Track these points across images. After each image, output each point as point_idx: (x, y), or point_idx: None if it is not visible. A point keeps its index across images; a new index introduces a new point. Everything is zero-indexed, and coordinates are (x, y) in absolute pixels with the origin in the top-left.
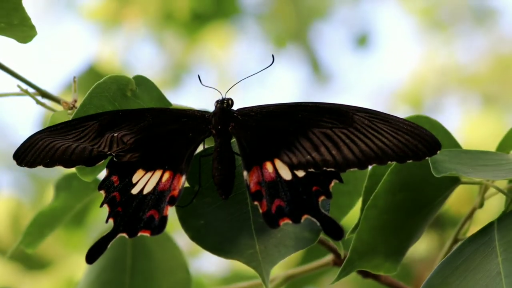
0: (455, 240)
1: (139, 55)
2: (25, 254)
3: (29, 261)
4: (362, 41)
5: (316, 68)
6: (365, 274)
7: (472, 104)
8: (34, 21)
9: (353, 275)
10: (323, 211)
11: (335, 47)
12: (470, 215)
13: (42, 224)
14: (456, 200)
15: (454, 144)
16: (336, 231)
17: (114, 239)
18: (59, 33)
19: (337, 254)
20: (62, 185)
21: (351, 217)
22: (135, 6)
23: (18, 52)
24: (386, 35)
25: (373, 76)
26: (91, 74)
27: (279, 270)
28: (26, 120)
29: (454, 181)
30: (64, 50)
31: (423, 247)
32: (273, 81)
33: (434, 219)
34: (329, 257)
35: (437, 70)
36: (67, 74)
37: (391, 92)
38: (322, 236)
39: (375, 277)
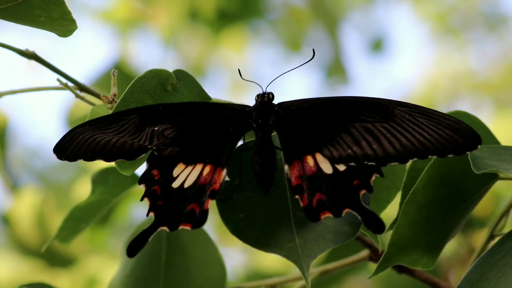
0: (491, 236)
1: (156, 56)
2: (49, 250)
3: (52, 258)
4: (376, 46)
5: (331, 73)
6: (400, 270)
7: (485, 110)
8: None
9: (387, 271)
10: (364, 204)
11: (349, 51)
12: (506, 211)
13: (78, 219)
14: (482, 204)
15: (493, 140)
16: (377, 225)
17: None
18: (81, 33)
19: (372, 250)
20: (99, 180)
21: (389, 212)
22: (161, 5)
23: (43, 51)
24: (400, 40)
25: (387, 81)
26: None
27: (313, 264)
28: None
29: (492, 177)
30: (86, 50)
31: (450, 246)
32: (286, 85)
33: None
34: (365, 252)
35: (450, 75)
36: (92, 71)
37: (404, 97)
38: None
39: (410, 273)
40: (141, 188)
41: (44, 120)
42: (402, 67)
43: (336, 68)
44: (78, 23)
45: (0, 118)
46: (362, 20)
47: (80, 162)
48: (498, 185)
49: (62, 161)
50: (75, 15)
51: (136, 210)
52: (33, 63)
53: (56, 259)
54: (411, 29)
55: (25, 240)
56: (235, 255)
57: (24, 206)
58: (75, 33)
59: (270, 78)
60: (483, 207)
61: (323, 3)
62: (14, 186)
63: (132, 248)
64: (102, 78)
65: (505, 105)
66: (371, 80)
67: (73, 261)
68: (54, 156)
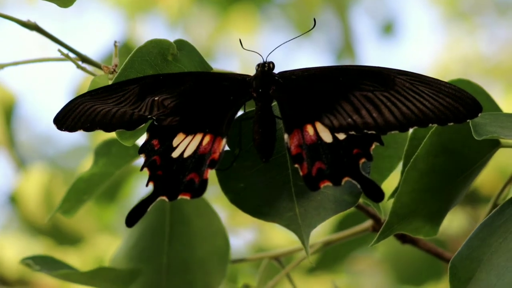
0: (495, 205)
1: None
2: (57, 228)
3: (60, 236)
4: (387, 29)
5: (341, 56)
6: (403, 239)
7: (495, 94)
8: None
9: (392, 242)
10: (363, 173)
11: (360, 35)
12: (510, 180)
13: (81, 190)
14: (490, 180)
15: (495, 108)
16: (376, 193)
17: (154, 203)
18: (88, 16)
19: (376, 220)
20: (102, 151)
21: (391, 183)
22: None
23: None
24: (411, 24)
25: (397, 65)
26: (124, 50)
27: (317, 237)
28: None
29: (494, 145)
30: (93, 34)
31: (457, 224)
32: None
33: (468, 196)
34: (368, 223)
35: (460, 59)
36: (97, 53)
37: None
38: (362, 201)
39: (414, 243)
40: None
41: (54, 104)
42: (412, 51)
43: (346, 52)
44: (85, 6)
45: (7, 95)
46: (373, 3)
47: (91, 144)
48: (506, 160)
49: (73, 148)
50: None
51: (143, 188)
52: (37, 37)
53: (64, 237)
54: (422, 13)
55: (33, 219)
56: (245, 234)
57: (31, 185)
58: (82, 15)
59: (280, 62)
60: (491, 183)
61: None
62: (22, 165)
63: (131, 218)
64: (107, 60)
65: None
66: (382, 64)
67: (81, 240)
68: (65, 143)
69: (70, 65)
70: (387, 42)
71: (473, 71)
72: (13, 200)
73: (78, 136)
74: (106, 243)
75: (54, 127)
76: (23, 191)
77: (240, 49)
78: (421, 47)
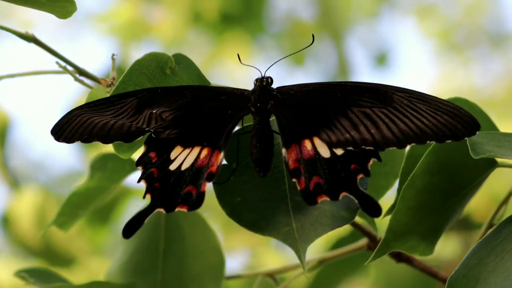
0: (490, 225)
1: None
2: (49, 250)
3: (53, 257)
4: (381, 60)
5: None
6: (399, 258)
7: None
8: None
9: (381, 260)
10: (361, 188)
11: (354, 65)
12: (505, 200)
13: (76, 204)
14: (483, 205)
15: (492, 127)
16: (373, 208)
17: (151, 215)
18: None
19: (371, 238)
20: (98, 166)
21: (388, 200)
22: (164, 7)
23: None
24: (404, 55)
25: None
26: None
27: (313, 254)
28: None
29: (491, 164)
30: (87, 57)
31: (450, 250)
32: None
33: (461, 221)
34: (363, 241)
35: (454, 91)
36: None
37: None
38: (358, 219)
39: (409, 261)
40: (142, 188)
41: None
42: (406, 82)
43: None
44: (81, 29)
45: (1, 115)
46: (367, 34)
47: (85, 170)
48: (498, 185)
49: (66, 173)
50: (78, 22)
51: (137, 210)
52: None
53: (56, 258)
54: (416, 44)
55: (26, 240)
56: (239, 256)
57: (24, 206)
58: (76, 38)
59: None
60: (485, 208)
61: (327, 16)
62: (15, 185)
63: (128, 229)
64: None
65: (509, 122)
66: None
67: (73, 261)
68: (58, 169)
69: (67, 82)
70: (381, 72)
71: None
72: (6, 221)
73: (71, 162)
74: (98, 264)
75: (47, 152)
76: (15, 212)
77: (234, 76)
78: (415, 79)
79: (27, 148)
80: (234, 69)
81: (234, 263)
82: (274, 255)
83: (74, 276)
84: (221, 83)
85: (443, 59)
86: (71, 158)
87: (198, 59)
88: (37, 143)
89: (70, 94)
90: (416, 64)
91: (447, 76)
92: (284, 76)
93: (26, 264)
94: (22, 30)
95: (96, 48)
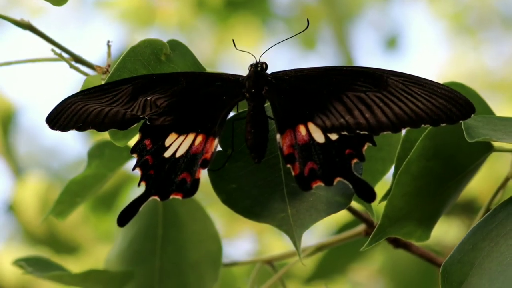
0: (487, 210)
1: None
2: (54, 237)
3: (58, 245)
4: (391, 43)
5: None
6: (396, 244)
7: (500, 108)
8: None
9: (385, 247)
10: (355, 173)
11: (364, 49)
12: (503, 185)
13: (74, 193)
14: (487, 189)
15: (488, 111)
16: (368, 193)
17: (146, 202)
18: (88, 26)
19: (368, 224)
20: (95, 153)
21: (384, 186)
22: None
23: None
24: (415, 38)
25: None
26: None
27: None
28: None
29: (487, 149)
30: (91, 44)
31: (453, 234)
32: None
33: (465, 205)
34: (361, 227)
35: (465, 74)
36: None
37: None
38: (355, 204)
39: (407, 247)
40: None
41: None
42: (417, 65)
43: (350, 64)
44: (89, 16)
45: (5, 104)
46: (377, 17)
47: None
48: (503, 169)
49: (79, 159)
50: (88, 8)
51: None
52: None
53: (61, 246)
54: (427, 27)
55: (31, 227)
56: (242, 244)
57: (29, 193)
58: (86, 24)
59: None
60: (489, 192)
61: (336, 0)
62: (19, 173)
63: (123, 217)
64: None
65: None
66: None
67: (78, 248)
68: (69, 155)
69: (74, 73)
70: (391, 56)
71: (478, 86)
72: (11, 209)
73: (83, 149)
74: (103, 252)
75: (60, 139)
76: (20, 199)
77: (244, 62)
78: (426, 62)
79: (39, 135)
80: (244, 54)
81: (239, 250)
82: (280, 241)
83: (79, 263)
84: (229, 70)
85: (454, 41)
86: (83, 144)
87: (206, 45)
88: (49, 130)
89: (78, 82)
90: (427, 47)
91: (458, 59)
92: (297, 61)
93: (31, 252)
94: (31, 17)
95: (105, 34)
